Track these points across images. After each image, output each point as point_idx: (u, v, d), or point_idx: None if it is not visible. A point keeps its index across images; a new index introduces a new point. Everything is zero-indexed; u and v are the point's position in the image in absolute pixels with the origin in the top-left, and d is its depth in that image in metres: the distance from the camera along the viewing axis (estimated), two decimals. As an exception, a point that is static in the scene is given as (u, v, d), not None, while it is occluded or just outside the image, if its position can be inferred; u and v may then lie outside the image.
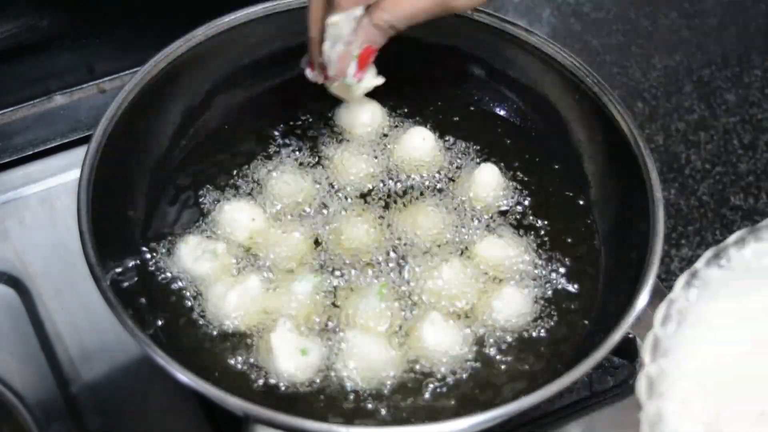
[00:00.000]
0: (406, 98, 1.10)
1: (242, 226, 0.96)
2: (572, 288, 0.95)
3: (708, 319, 0.81)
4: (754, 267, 0.83)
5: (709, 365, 0.80)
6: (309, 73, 0.98)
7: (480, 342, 0.91)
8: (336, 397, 0.87)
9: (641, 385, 0.78)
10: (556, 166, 1.05)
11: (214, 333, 0.90)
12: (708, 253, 0.83)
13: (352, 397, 0.87)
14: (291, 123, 1.06)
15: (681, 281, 0.82)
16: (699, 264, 0.83)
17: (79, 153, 1.03)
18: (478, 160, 1.04)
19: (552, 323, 0.93)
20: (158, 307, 0.92)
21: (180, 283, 0.93)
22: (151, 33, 1.17)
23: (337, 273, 0.94)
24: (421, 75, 1.10)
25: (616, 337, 0.82)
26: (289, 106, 1.08)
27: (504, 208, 1.01)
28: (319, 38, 0.93)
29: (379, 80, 0.99)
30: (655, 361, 0.78)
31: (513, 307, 0.92)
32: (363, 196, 1.01)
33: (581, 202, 1.02)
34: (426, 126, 1.06)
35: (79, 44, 1.21)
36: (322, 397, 0.87)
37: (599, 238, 0.99)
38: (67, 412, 0.96)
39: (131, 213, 0.97)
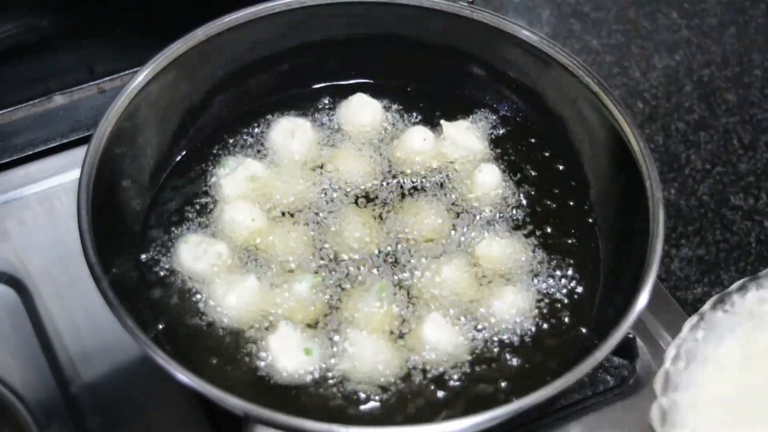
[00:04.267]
0: (406, 98, 1.10)
1: (242, 226, 0.96)
2: (572, 288, 0.95)
3: (715, 359, 0.89)
4: (756, 312, 0.91)
5: (717, 401, 0.87)
6: None
7: (480, 342, 0.91)
8: (336, 397, 0.87)
9: (655, 414, 0.85)
10: (556, 166, 1.05)
11: (214, 332, 0.90)
12: (713, 299, 0.90)
13: (352, 397, 0.87)
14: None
15: (689, 323, 0.89)
16: (705, 307, 0.90)
17: (79, 153, 1.03)
18: (478, 160, 1.04)
19: (552, 323, 0.93)
20: (158, 306, 0.92)
21: (180, 283, 0.93)
22: (151, 33, 1.17)
23: (337, 273, 0.94)
24: (421, 75, 1.10)
25: (616, 336, 0.82)
26: (288, 106, 1.08)
27: (504, 207, 1.01)
28: None
29: None
30: (666, 395, 0.85)
31: (513, 307, 0.92)
32: (363, 195, 1.01)
33: (581, 203, 1.02)
34: (426, 126, 1.07)
35: (79, 44, 1.21)
36: (322, 397, 0.87)
37: (599, 238, 0.99)
38: (67, 412, 0.96)
39: (131, 212, 0.97)
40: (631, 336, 0.98)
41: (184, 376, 0.79)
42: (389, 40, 1.09)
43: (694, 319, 0.89)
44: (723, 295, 0.91)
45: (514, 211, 1.01)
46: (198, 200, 1.00)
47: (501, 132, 1.08)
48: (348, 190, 1.01)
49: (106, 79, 1.23)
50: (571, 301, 0.94)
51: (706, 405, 0.86)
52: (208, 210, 0.99)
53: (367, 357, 0.88)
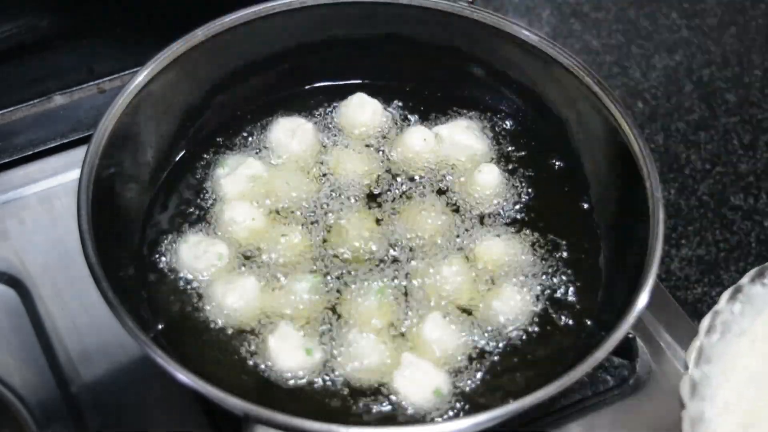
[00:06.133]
0: (406, 98, 1.10)
1: (242, 226, 0.96)
2: (572, 288, 0.95)
3: (751, 332, 0.88)
4: None
5: (750, 374, 0.86)
6: None
7: (480, 342, 0.91)
8: (336, 397, 0.87)
9: (685, 386, 0.84)
10: (556, 166, 1.05)
11: (214, 333, 0.91)
12: (752, 272, 0.89)
13: (352, 397, 0.87)
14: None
15: (726, 295, 0.88)
16: (744, 280, 0.89)
17: (79, 153, 1.02)
18: (477, 160, 1.04)
19: (552, 323, 0.93)
20: (158, 306, 0.92)
21: (180, 283, 0.93)
22: (151, 33, 1.17)
23: (337, 273, 0.94)
24: (421, 75, 1.10)
25: (616, 337, 0.82)
26: (288, 107, 1.08)
27: (504, 208, 1.01)
28: None
29: None
30: (698, 367, 0.84)
31: (513, 307, 0.92)
32: (363, 195, 1.01)
33: (581, 202, 1.02)
34: (426, 126, 1.07)
35: (79, 44, 1.21)
36: (322, 397, 0.87)
37: (599, 238, 0.99)
38: (67, 412, 0.96)
39: (131, 212, 0.97)
40: (631, 336, 0.98)
41: (184, 376, 0.79)
42: (389, 40, 1.09)
43: (730, 291, 0.88)
44: (763, 268, 0.90)
45: (514, 211, 1.01)
46: (198, 200, 1.00)
47: (501, 132, 1.08)
48: (348, 189, 1.01)
49: (106, 79, 1.23)
50: (571, 301, 0.94)
51: (739, 379, 0.85)
52: (208, 209, 0.99)
53: (368, 357, 0.88)
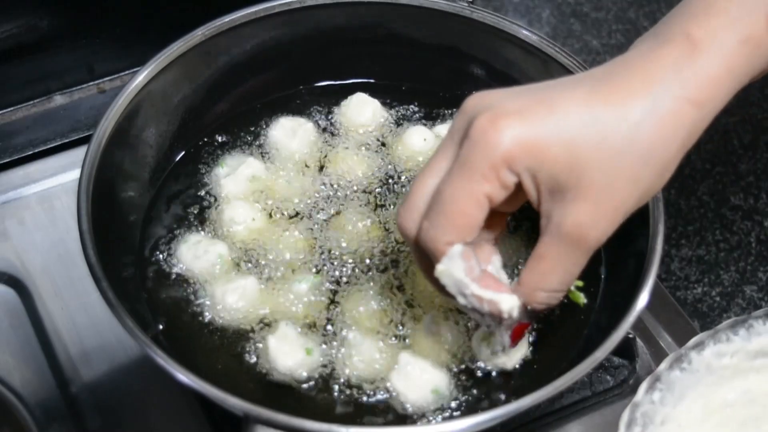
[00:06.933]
0: (406, 98, 1.10)
1: (242, 226, 0.96)
2: (571, 287, 0.95)
3: (674, 419, 0.87)
4: (715, 366, 0.90)
5: None
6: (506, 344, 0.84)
7: (479, 342, 0.91)
8: (336, 397, 0.87)
9: None
10: (556, 166, 1.05)
11: (214, 333, 0.91)
12: (669, 358, 0.89)
13: (352, 396, 0.87)
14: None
15: (644, 386, 0.87)
16: (662, 367, 0.89)
17: (79, 153, 1.03)
18: (478, 160, 1.04)
19: (551, 323, 0.93)
20: (158, 306, 0.92)
21: (180, 283, 0.93)
22: (151, 33, 1.17)
23: (337, 273, 0.94)
24: (421, 75, 1.10)
25: (616, 337, 0.82)
26: (288, 106, 1.08)
27: (504, 208, 1.01)
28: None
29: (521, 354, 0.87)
30: None
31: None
32: (363, 195, 1.01)
33: (581, 202, 1.02)
34: (426, 126, 1.07)
35: (79, 44, 1.21)
36: (323, 397, 0.87)
37: (599, 238, 0.99)
38: (67, 412, 0.96)
39: (131, 212, 0.97)
40: (631, 336, 0.98)
41: (184, 376, 0.79)
42: (389, 40, 1.09)
43: (648, 381, 0.88)
44: (680, 354, 0.90)
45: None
46: (198, 200, 1.00)
47: (501, 132, 1.08)
48: (348, 189, 1.01)
49: (106, 79, 1.23)
50: (571, 301, 0.94)
51: None
52: (209, 209, 0.99)
53: (367, 356, 0.88)
